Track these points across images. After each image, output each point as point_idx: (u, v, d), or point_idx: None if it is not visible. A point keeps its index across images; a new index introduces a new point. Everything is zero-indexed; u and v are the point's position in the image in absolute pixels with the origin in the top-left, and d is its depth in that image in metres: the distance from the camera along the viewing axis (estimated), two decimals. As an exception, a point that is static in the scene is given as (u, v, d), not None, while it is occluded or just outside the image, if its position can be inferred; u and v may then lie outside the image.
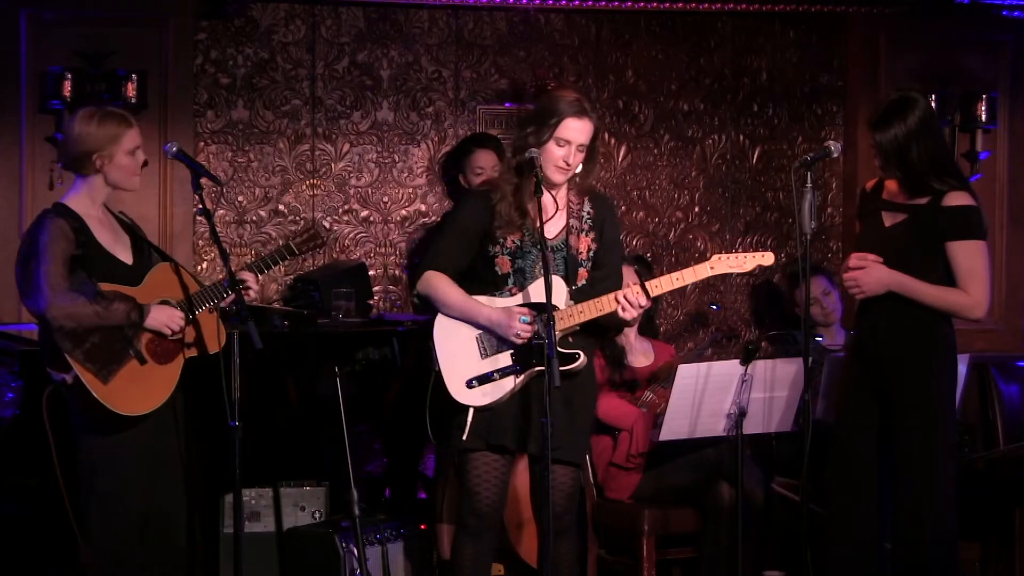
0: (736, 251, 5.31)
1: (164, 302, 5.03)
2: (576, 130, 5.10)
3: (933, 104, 7.39)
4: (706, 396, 5.77)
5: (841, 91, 7.74)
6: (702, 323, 7.62)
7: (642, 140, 7.57)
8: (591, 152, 5.17)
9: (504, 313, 5.12)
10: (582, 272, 5.19)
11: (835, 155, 5.37)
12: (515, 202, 5.13)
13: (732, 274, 5.25)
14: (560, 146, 5.10)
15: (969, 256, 5.22)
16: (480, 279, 5.21)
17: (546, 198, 5.16)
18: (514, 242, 5.16)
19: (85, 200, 5.05)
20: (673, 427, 5.84)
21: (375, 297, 7.01)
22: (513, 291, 5.18)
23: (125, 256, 5.09)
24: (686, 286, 5.29)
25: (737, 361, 5.76)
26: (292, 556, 6.28)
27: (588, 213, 5.23)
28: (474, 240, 5.18)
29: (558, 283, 5.13)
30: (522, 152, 5.13)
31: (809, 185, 5.12)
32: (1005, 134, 7.71)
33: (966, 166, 7.56)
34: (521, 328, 5.08)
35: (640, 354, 6.44)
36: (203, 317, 5.11)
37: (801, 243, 5.15)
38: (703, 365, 5.84)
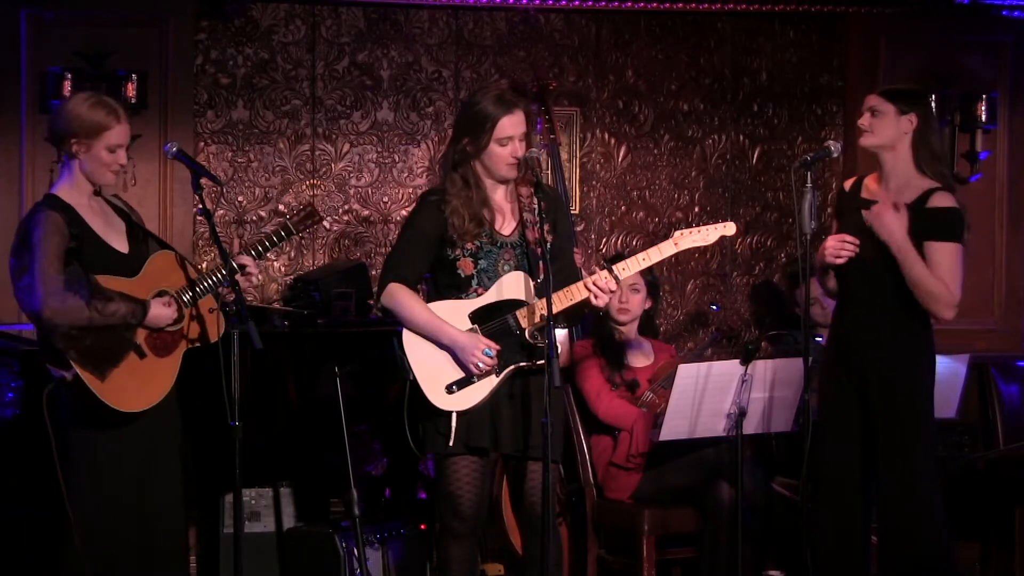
0: (700, 225, 5.26)
1: (162, 292, 5.00)
2: (513, 124, 5.10)
3: (933, 104, 7.42)
4: (706, 396, 5.77)
5: (841, 91, 7.74)
6: (702, 323, 7.62)
7: (642, 140, 7.57)
8: (527, 137, 5.17)
9: (469, 339, 5.09)
10: (542, 266, 5.14)
11: (835, 155, 5.38)
12: (468, 214, 5.12)
13: (696, 248, 5.23)
14: (503, 145, 5.10)
15: (945, 256, 5.24)
16: (443, 283, 5.20)
17: (499, 196, 5.18)
18: (474, 243, 5.16)
19: (74, 190, 4.98)
20: (673, 427, 5.84)
21: (375, 297, 7.01)
22: (479, 291, 5.16)
23: (120, 244, 5.03)
24: (652, 266, 5.30)
25: (737, 361, 5.76)
26: (292, 556, 6.28)
27: (540, 205, 5.23)
28: (432, 246, 5.17)
29: (522, 277, 5.13)
30: (464, 164, 5.14)
31: (809, 185, 5.13)
32: (1005, 134, 7.71)
33: (966, 166, 7.57)
34: (483, 360, 5.07)
35: (640, 354, 6.44)
36: (202, 306, 5.07)
37: (801, 243, 5.15)
38: (703, 365, 5.84)
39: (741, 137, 7.67)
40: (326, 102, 7.21)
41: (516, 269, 5.16)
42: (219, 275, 5.07)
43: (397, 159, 7.29)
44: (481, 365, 5.07)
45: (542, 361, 4.98)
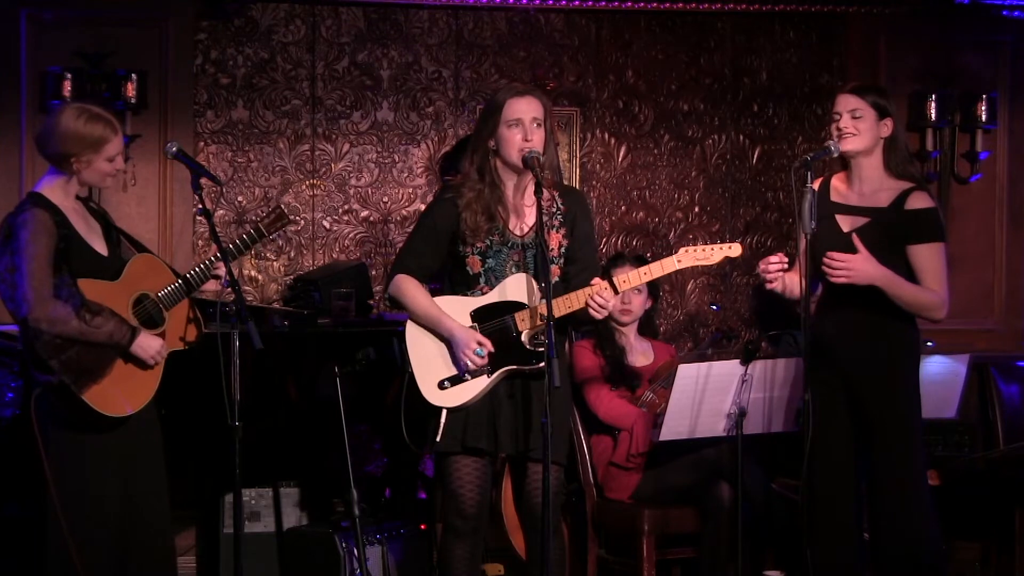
0: (703, 244, 5.28)
1: (143, 295, 4.99)
2: (522, 107, 5.10)
3: (933, 104, 7.43)
4: (706, 396, 5.77)
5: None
6: (702, 323, 7.62)
7: (642, 140, 7.57)
8: (547, 135, 5.15)
9: (465, 333, 5.11)
10: (554, 269, 5.16)
11: (835, 155, 5.36)
12: (480, 208, 5.13)
13: (699, 266, 5.24)
14: (512, 127, 5.09)
15: (932, 257, 5.24)
16: (453, 279, 5.23)
17: (516, 196, 5.17)
18: (484, 242, 5.16)
19: (60, 190, 4.94)
20: (673, 427, 5.84)
21: (375, 297, 7.01)
22: (484, 290, 5.18)
23: (100, 247, 5.01)
24: (655, 279, 5.32)
25: (737, 361, 5.76)
26: (292, 556, 6.28)
27: (559, 208, 5.22)
28: (443, 242, 5.19)
29: (527, 279, 5.13)
30: (484, 162, 5.15)
31: (809, 185, 5.12)
32: (1005, 134, 7.70)
33: (966, 166, 7.57)
34: (472, 358, 5.09)
35: (640, 354, 6.44)
36: (181, 308, 5.07)
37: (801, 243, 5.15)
38: (703, 365, 5.84)
39: (741, 137, 7.66)
40: (326, 102, 7.21)
41: (523, 271, 5.16)
42: (197, 272, 5.06)
43: (397, 159, 7.29)
44: (470, 363, 5.08)
45: (540, 364, 4.99)
